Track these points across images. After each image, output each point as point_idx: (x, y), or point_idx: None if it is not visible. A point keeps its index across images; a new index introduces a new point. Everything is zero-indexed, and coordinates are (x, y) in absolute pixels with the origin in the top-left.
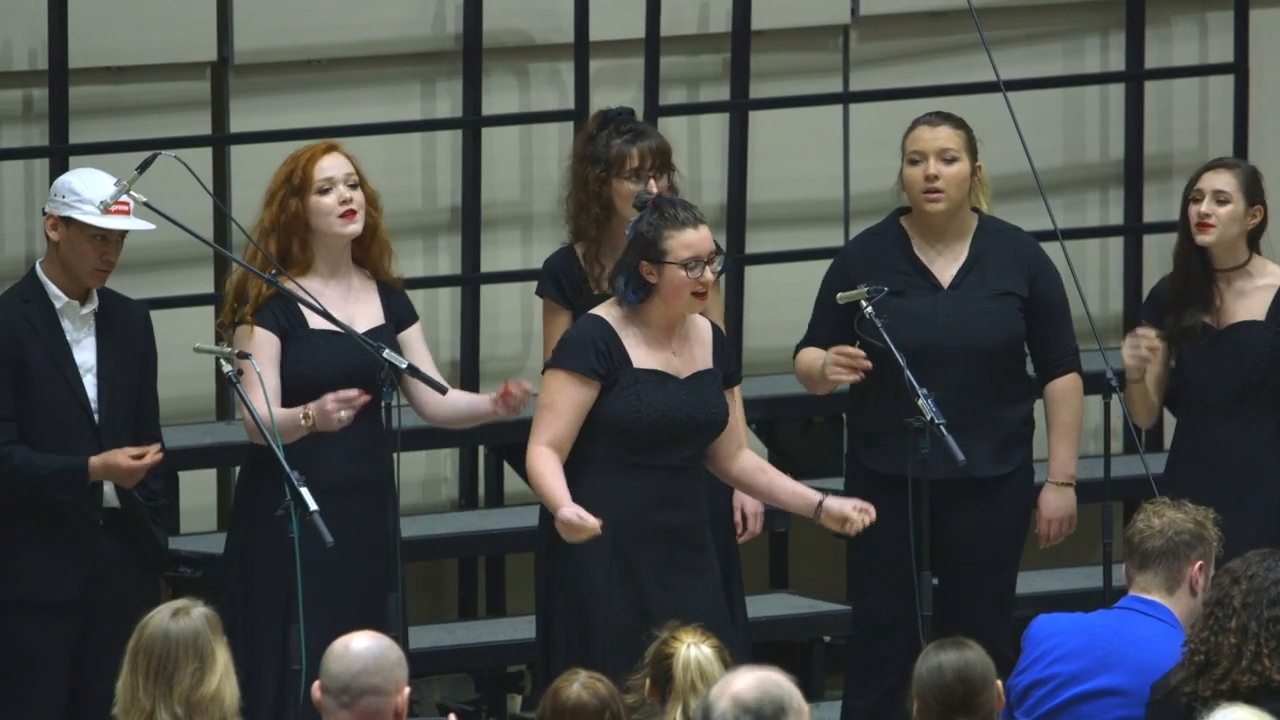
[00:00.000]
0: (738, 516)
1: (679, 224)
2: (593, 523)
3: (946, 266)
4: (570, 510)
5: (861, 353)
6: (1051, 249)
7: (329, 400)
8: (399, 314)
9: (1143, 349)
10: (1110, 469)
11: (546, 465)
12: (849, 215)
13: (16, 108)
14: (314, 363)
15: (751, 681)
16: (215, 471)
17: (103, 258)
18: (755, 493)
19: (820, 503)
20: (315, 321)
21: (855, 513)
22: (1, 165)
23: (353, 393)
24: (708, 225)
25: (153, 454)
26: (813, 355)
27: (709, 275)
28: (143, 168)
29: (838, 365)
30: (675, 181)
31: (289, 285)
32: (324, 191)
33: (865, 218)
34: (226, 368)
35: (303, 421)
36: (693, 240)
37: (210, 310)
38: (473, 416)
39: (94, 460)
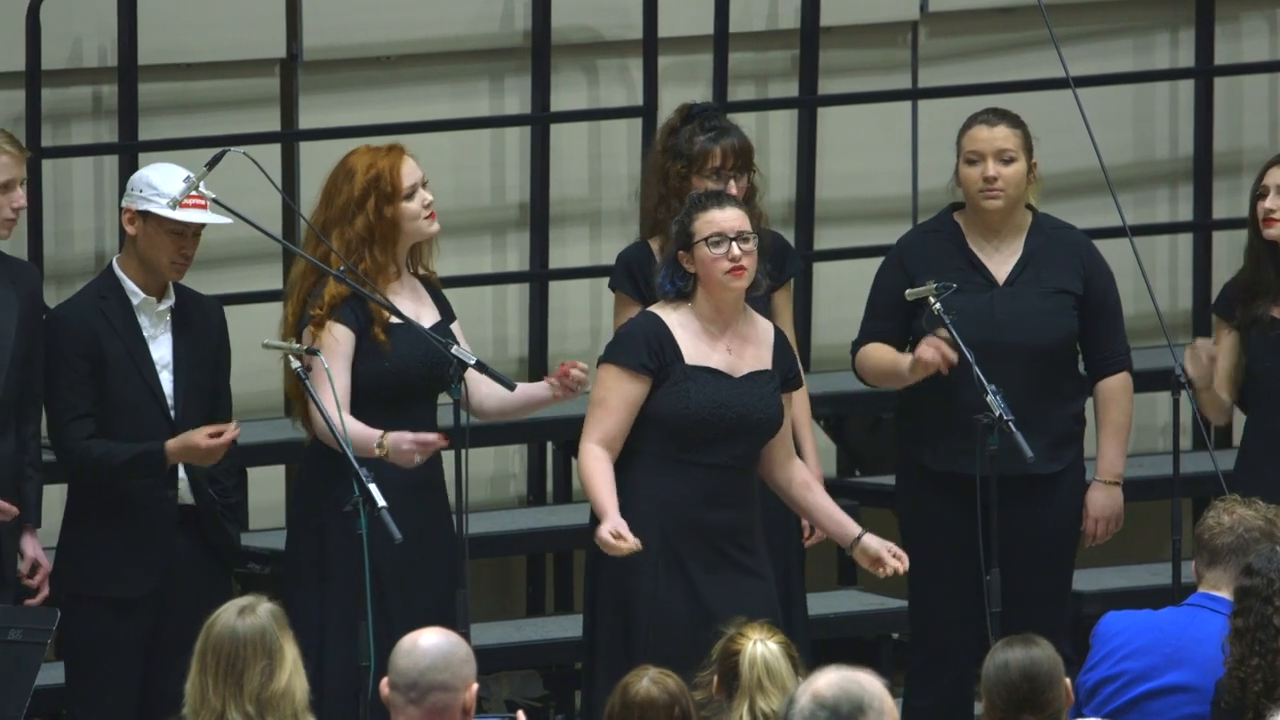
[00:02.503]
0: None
1: (704, 207)
2: (630, 544)
3: (1001, 263)
4: (608, 529)
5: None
6: (1120, 245)
7: (407, 440)
8: (447, 312)
9: (1203, 358)
10: (1179, 465)
11: (596, 468)
12: (917, 211)
13: (86, 104)
14: (389, 360)
15: (834, 679)
16: (284, 468)
17: (180, 252)
18: (794, 507)
19: (859, 537)
20: (391, 316)
21: (890, 556)
22: (71, 162)
23: (432, 436)
24: (743, 212)
25: (231, 431)
26: (882, 351)
27: (736, 250)
28: (212, 164)
29: (928, 359)
30: (756, 181)
31: (355, 282)
32: (409, 196)
33: (933, 214)
34: (295, 364)
35: (376, 450)
36: (716, 218)
37: (279, 306)
38: (526, 405)
39: (170, 443)
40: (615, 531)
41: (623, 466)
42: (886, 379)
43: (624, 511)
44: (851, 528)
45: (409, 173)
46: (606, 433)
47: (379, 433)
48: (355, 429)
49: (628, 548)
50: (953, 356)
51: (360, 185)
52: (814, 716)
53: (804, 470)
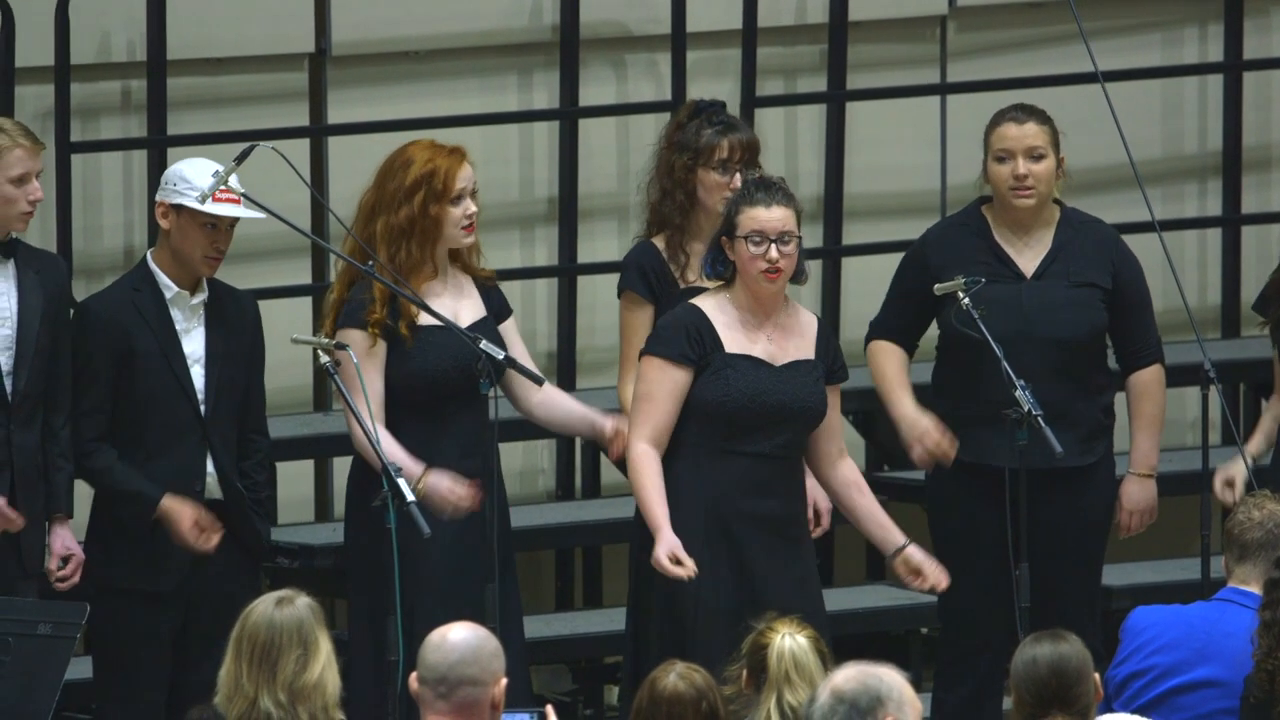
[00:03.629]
0: (810, 512)
1: (752, 201)
2: (687, 569)
3: (1030, 257)
4: (664, 553)
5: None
6: (1149, 240)
7: (444, 487)
8: (497, 308)
9: (1226, 499)
10: (1209, 460)
11: (647, 472)
12: (945, 206)
13: (115, 99)
14: (423, 358)
15: (852, 673)
16: (312, 463)
17: (213, 245)
18: (840, 507)
19: (903, 546)
20: (420, 318)
21: (932, 571)
22: (100, 156)
23: (470, 500)
24: (794, 211)
25: (215, 536)
26: (894, 372)
27: (774, 254)
28: (240, 159)
29: (924, 445)
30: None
31: (386, 278)
32: (456, 201)
33: (962, 209)
34: (324, 359)
35: (416, 485)
36: (760, 216)
37: (308, 301)
38: (567, 427)
39: (165, 503)
40: (672, 555)
41: (667, 457)
42: (879, 389)
43: (669, 501)
44: (897, 536)
45: (463, 177)
46: (655, 427)
47: (420, 469)
48: (398, 456)
49: (684, 573)
50: (947, 455)
51: (414, 176)
52: (833, 711)
53: (855, 471)
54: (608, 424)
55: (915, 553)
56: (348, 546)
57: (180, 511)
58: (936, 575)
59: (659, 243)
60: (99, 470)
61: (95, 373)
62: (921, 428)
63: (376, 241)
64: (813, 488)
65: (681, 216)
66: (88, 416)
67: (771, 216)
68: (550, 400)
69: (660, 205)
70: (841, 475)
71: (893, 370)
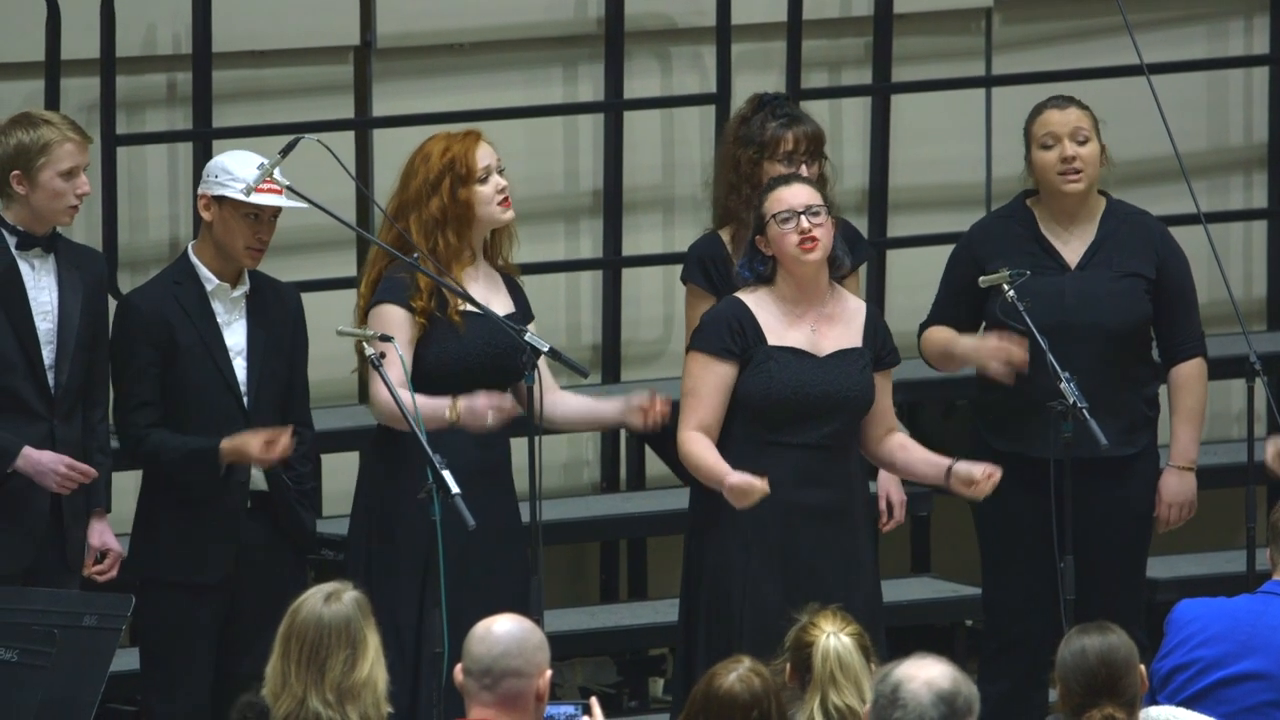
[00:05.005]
0: (882, 504)
1: (771, 188)
2: (761, 485)
3: (1075, 247)
4: (737, 476)
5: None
6: (1194, 232)
7: (482, 398)
8: (522, 311)
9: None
10: (1254, 453)
11: (698, 443)
12: (990, 198)
13: (160, 92)
14: (459, 346)
15: (946, 670)
16: (357, 454)
17: (256, 237)
18: (895, 469)
19: (950, 467)
20: (463, 303)
21: (981, 475)
22: (145, 149)
23: (508, 401)
24: (818, 191)
25: (285, 440)
26: (947, 334)
27: (804, 223)
28: (286, 151)
29: (997, 360)
30: (826, 170)
31: (428, 268)
32: (484, 180)
33: (1006, 200)
34: (369, 350)
35: (448, 414)
36: (783, 195)
37: (352, 294)
38: (591, 421)
39: (225, 444)
40: (744, 479)
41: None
42: (944, 361)
43: (719, 497)
44: (944, 462)
45: (483, 156)
46: (702, 420)
47: (448, 400)
48: (423, 401)
49: (758, 491)
50: (1022, 357)
51: (436, 168)
52: (934, 706)
53: (901, 437)
54: (635, 397)
55: (962, 466)
56: (350, 539)
57: (243, 442)
58: (987, 467)
59: (724, 235)
60: (154, 449)
61: (141, 367)
62: (990, 344)
63: (406, 245)
64: (885, 480)
65: (747, 210)
66: (140, 409)
67: (794, 192)
68: (567, 402)
69: (726, 200)
70: (892, 444)
71: (944, 333)
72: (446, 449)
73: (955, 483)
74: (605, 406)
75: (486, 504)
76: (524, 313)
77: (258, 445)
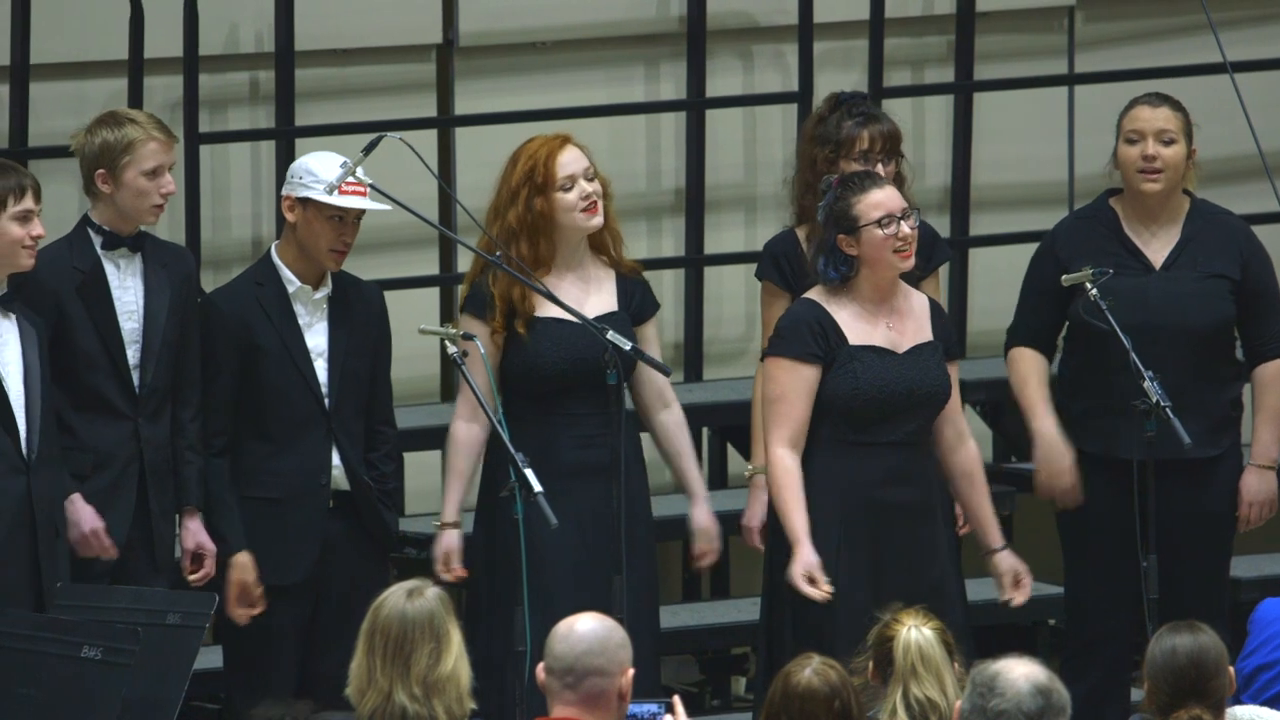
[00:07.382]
0: (959, 509)
1: (863, 189)
2: (823, 592)
3: (1158, 248)
4: (801, 572)
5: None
6: (1277, 231)
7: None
8: (638, 304)
9: None
10: None
11: (787, 483)
12: (1073, 197)
13: (243, 90)
14: (536, 352)
15: (1043, 669)
16: (439, 453)
17: (340, 238)
18: (954, 496)
19: (996, 549)
20: (544, 309)
21: (1010, 584)
22: (228, 148)
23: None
24: (897, 191)
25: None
26: (1031, 376)
27: (905, 229)
28: (368, 150)
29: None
30: (903, 169)
31: (514, 270)
32: (566, 189)
33: (1089, 199)
34: (451, 349)
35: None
36: (880, 199)
37: (435, 292)
38: (675, 472)
39: (238, 558)
40: (808, 574)
41: (803, 454)
42: (1022, 406)
43: (807, 497)
44: (994, 538)
45: (565, 163)
46: (793, 429)
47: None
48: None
49: (819, 595)
50: (1068, 497)
51: (518, 175)
52: (1032, 697)
53: (971, 461)
54: (701, 542)
55: (1004, 561)
56: (474, 540)
57: (241, 581)
58: (1014, 590)
59: (800, 232)
60: (200, 473)
61: (218, 368)
62: (1058, 466)
63: (492, 247)
64: None
65: None
66: (212, 412)
67: (889, 195)
68: (668, 434)
69: (802, 198)
70: (959, 463)
71: (1034, 383)
72: (553, 451)
73: (991, 567)
74: (689, 488)
75: (593, 503)
76: (635, 309)
77: (234, 598)
